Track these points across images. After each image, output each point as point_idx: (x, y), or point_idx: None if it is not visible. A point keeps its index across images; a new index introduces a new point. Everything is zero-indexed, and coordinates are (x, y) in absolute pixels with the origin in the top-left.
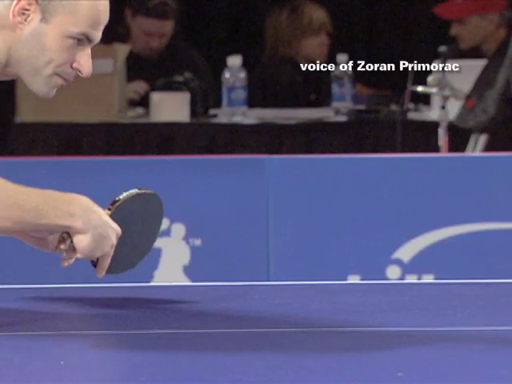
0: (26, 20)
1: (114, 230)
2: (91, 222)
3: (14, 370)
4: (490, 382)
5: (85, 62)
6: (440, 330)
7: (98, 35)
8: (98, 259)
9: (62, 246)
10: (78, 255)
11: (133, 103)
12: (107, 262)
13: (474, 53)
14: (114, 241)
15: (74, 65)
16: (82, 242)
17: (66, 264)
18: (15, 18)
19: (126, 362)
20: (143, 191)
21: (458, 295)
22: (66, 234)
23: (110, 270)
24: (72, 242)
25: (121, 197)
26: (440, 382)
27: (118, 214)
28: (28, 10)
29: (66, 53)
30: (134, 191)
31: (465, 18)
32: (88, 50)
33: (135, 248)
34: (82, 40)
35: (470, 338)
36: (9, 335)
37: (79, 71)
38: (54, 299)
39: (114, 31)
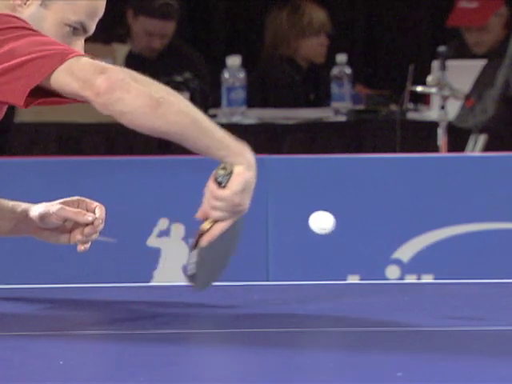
0: (25, 4)
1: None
2: (254, 169)
3: (14, 370)
4: (490, 381)
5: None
6: (440, 329)
7: (93, 26)
8: (208, 229)
9: (221, 172)
10: (227, 192)
11: None
12: (219, 231)
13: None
14: (247, 207)
15: None
16: (243, 174)
17: (83, 248)
18: (15, 0)
19: (126, 362)
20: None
21: (458, 295)
22: (229, 165)
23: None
24: (231, 173)
25: None
26: (440, 381)
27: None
28: None
29: (62, 40)
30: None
31: (488, 22)
32: (82, 41)
33: (219, 263)
34: (77, 29)
35: (470, 338)
36: (9, 335)
37: None
38: (54, 299)
39: (114, 31)
